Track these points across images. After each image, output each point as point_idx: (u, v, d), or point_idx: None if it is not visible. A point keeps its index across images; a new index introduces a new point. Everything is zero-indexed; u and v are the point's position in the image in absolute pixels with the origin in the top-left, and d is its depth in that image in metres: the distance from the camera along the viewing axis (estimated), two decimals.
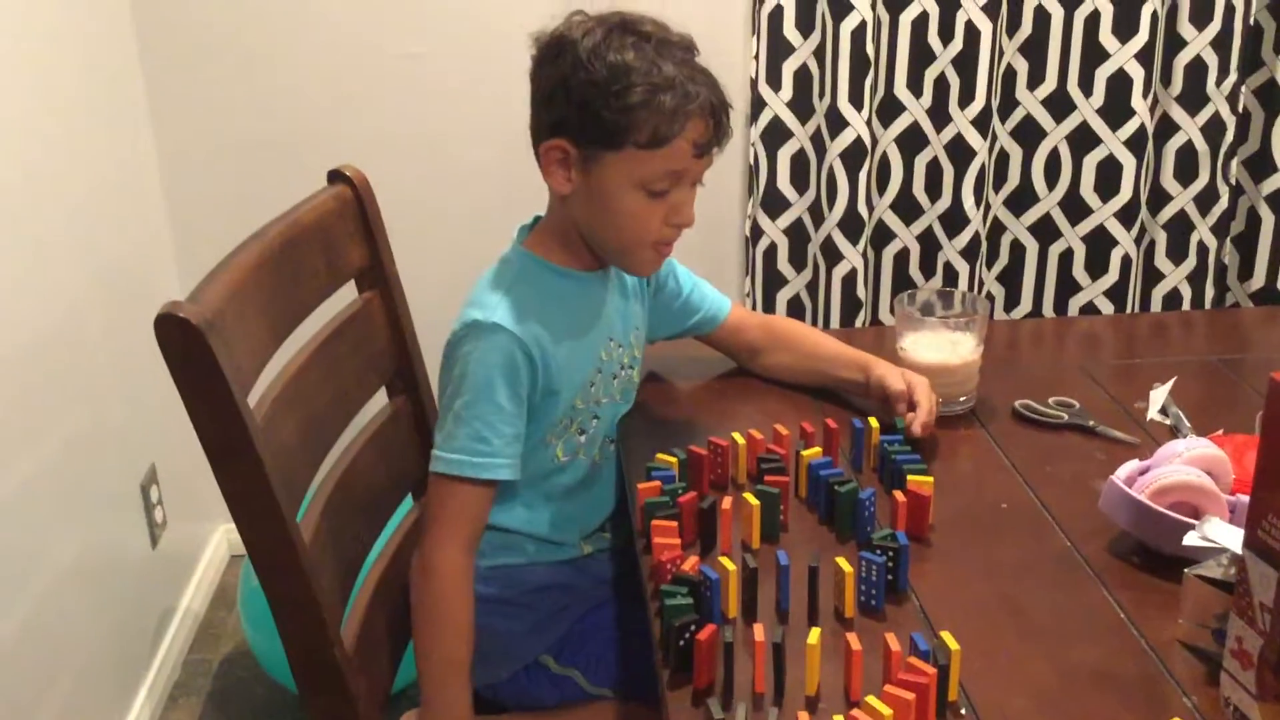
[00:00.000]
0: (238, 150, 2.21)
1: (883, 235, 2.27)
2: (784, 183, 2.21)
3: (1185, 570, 1.02)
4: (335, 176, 1.38)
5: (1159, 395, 1.39)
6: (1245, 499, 1.00)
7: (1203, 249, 2.26)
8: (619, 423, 1.38)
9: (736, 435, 1.29)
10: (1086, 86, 2.15)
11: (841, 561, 1.06)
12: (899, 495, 1.17)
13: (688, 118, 1.17)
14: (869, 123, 2.15)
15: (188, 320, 0.99)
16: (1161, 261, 2.29)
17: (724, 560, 1.06)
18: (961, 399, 1.40)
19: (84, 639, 1.84)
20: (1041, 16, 2.12)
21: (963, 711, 0.95)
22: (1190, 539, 1.03)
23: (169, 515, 2.19)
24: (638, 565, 1.18)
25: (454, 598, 1.21)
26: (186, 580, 2.32)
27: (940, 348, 1.39)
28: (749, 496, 1.16)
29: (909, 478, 1.19)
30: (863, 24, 2.07)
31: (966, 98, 2.14)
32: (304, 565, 1.08)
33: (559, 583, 1.34)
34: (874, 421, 1.31)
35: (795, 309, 2.28)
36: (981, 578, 1.12)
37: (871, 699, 0.91)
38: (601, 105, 1.17)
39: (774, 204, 2.23)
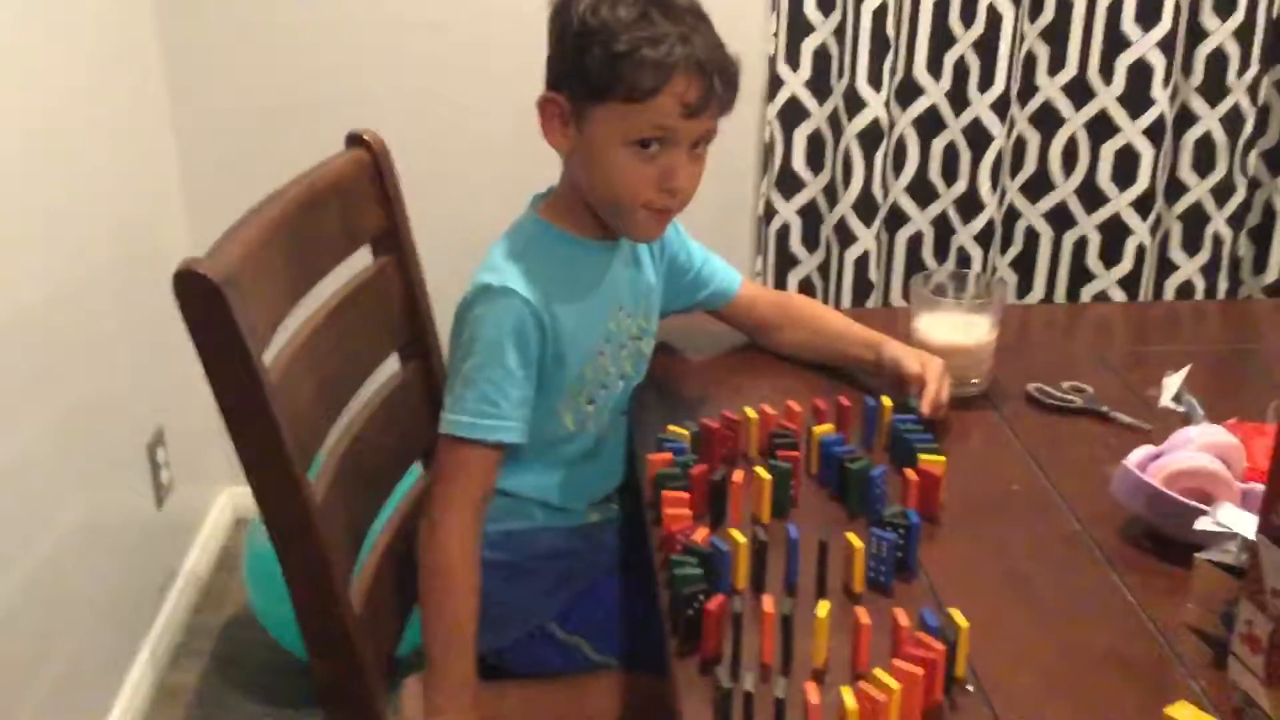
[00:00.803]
0: (253, 114, 2.21)
1: (897, 218, 2.26)
2: (799, 163, 2.21)
3: (1196, 555, 1.02)
4: (353, 140, 1.37)
5: (1173, 383, 1.38)
6: (1258, 486, 1.00)
7: (1217, 241, 2.26)
8: (630, 395, 1.38)
9: (749, 410, 1.28)
10: (1107, 74, 2.14)
11: (851, 537, 1.06)
12: (910, 474, 1.17)
13: (672, 71, 1.16)
14: (887, 104, 2.14)
15: (206, 276, 0.98)
16: (1176, 253, 2.29)
17: (734, 533, 1.07)
18: (974, 381, 1.40)
19: (88, 599, 1.85)
20: (1064, 3, 2.11)
21: (969, 688, 0.95)
22: (1202, 524, 1.03)
23: (175, 478, 2.20)
24: (645, 537, 1.18)
25: (460, 562, 1.21)
26: (190, 543, 2.33)
27: (955, 329, 1.39)
28: (760, 471, 1.16)
29: (920, 457, 1.19)
30: (884, 5, 2.06)
31: (986, 82, 2.13)
32: (316, 526, 1.08)
33: (566, 549, 1.34)
34: (887, 400, 1.31)
35: (807, 290, 2.28)
36: (991, 558, 1.12)
37: (879, 672, 0.91)
38: (589, 57, 1.17)
39: (788, 184, 2.22)
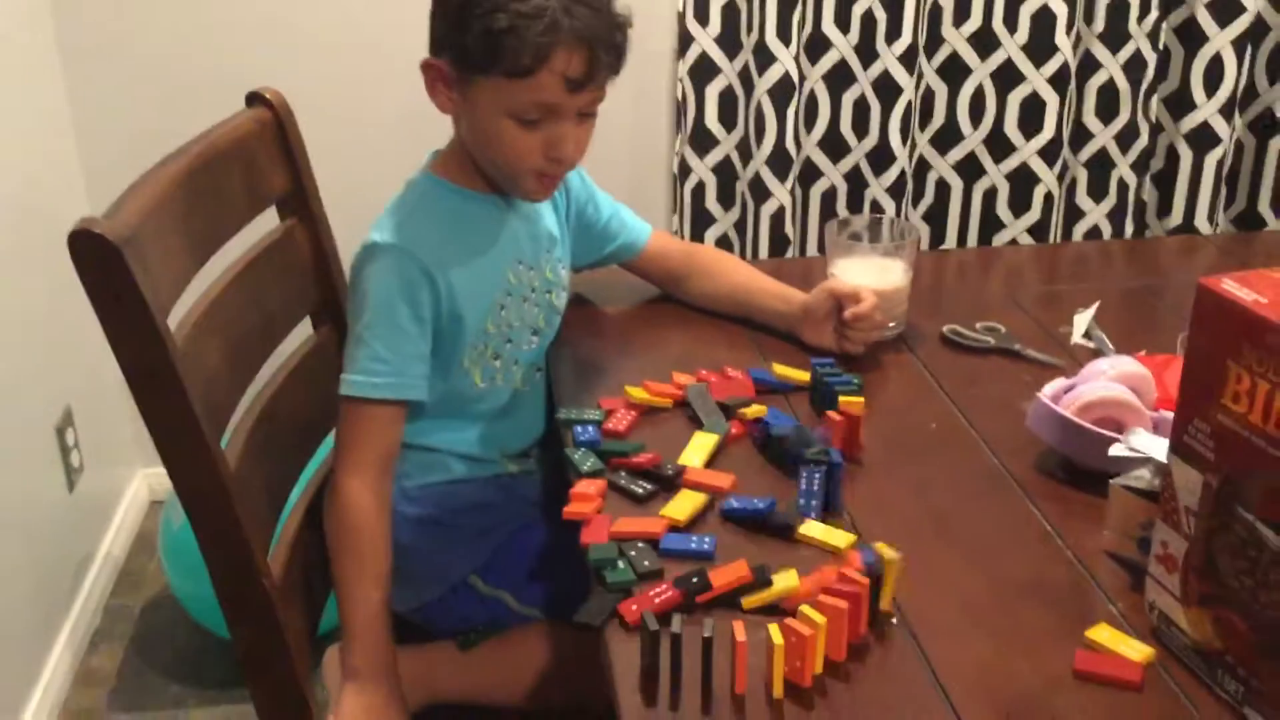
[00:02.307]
0: (149, 80, 2.14)
1: (810, 173, 2.27)
2: (712, 120, 2.20)
3: (1111, 481, 1.04)
4: (254, 98, 1.34)
5: (1083, 320, 1.41)
6: (1168, 414, 1.02)
7: (1123, 186, 2.30)
8: (545, 349, 1.37)
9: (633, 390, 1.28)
10: (1011, 24, 2.16)
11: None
12: (833, 415, 1.17)
13: (552, 48, 1.13)
14: (797, 59, 2.14)
15: (103, 236, 0.95)
16: (1082, 199, 2.32)
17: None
18: (891, 324, 1.40)
19: (1, 586, 1.80)
20: None
21: (894, 620, 0.95)
22: (1116, 450, 1.05)
23: (85, 459, 2.14)
24: (565, 487, 1.16)
25: (366, 523, 1.19)
26: (105, 525, 2.27)
27: (870, 273, 1.39)
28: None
29: (840, 399, 1.19)
30: None
31: (893, 34, 2.14)
32: (230, 493, 1.05)
33: (485, 501, 1.33)
34: (779, 367, 1.33)
35: (724, 246, 2.27)
36: (912, 495, 1.13)
37: (805, 608, 0.91)
38: (470, 29, 1.15)
39: (702, 141, 2.22)
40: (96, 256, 0.96)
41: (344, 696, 1.18)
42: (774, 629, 0.89)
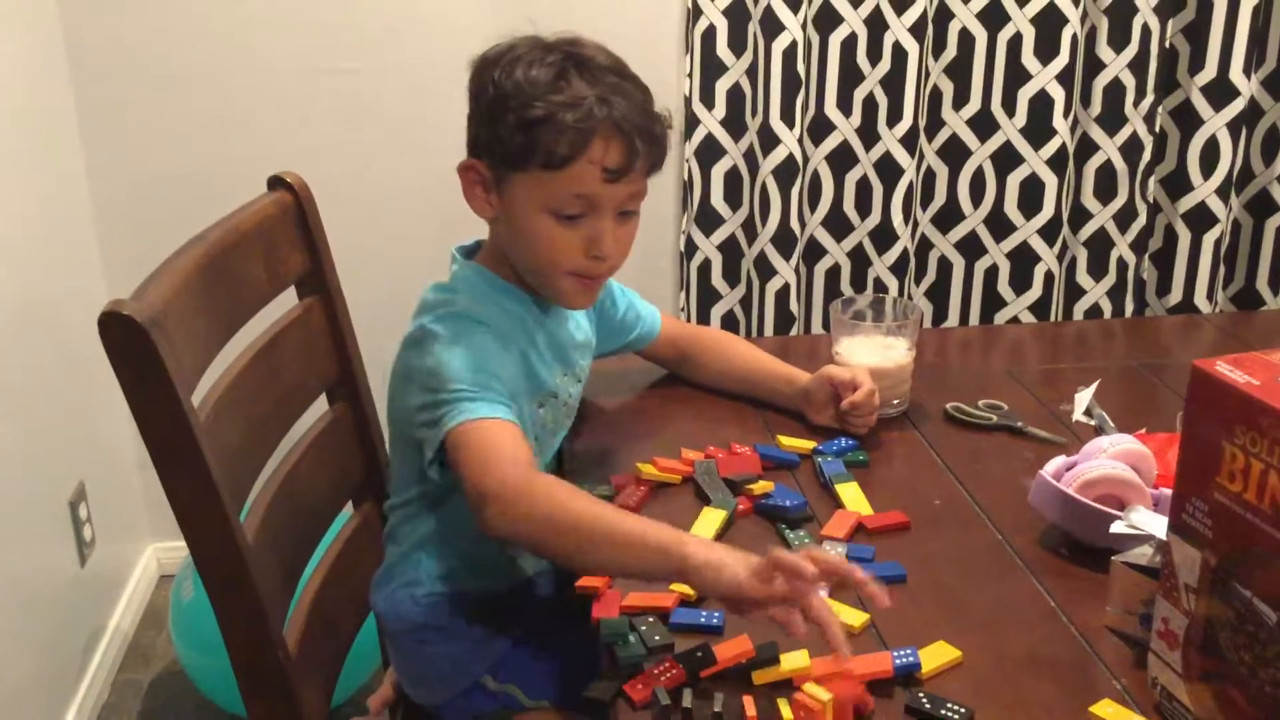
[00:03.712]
0: (170, 170, 2.20)
1: (815, 251, 2.31)
2: (718, 199, 2.25)
3: (1112, 558, 1.06)
4: (276, 183, 1.38)
5: (1083, 397, 1.43)
6: (1169, 491, 1.04)
7: (1122, 265, 2.33)
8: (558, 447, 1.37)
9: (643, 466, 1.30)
10: (1009, 107, 2.21)
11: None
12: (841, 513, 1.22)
13: (590, 136, 1.12)
14: (800, 141, 2.19)
15: (131, 318, 0.98)
16: (1083, 277, 2.36)
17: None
18: (895, 402, 1.43)
19: (11, 659, 1.81)
20: (966, 38, 2.18)
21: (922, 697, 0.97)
22: (1117, 527, 1.07)
23: (98, 534, 2.16)
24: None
25: (551, 501, 1.04)
26: (115, 600, 2.29)
27: (874, 352, 1.42)
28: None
29: (837, 487, 1.26)
30: (793, 44, 2.11)
31: (894, 117, 2.19)
32: (247, 564, 1.07)
33: (501, 608, 1.31)
34: (786, 440, 1.37)
35: (730, 324, 2.31)
36: (916, 570, 1.14)
37: (810, 686, 0.92)
38: (503, 124, 1.13)
39: (708, 220, 2.26)
40: (125, 336, 0.99)
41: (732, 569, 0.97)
42: (783, 704, 0.91)
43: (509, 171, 1.17)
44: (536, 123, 1.12)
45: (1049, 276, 2.30)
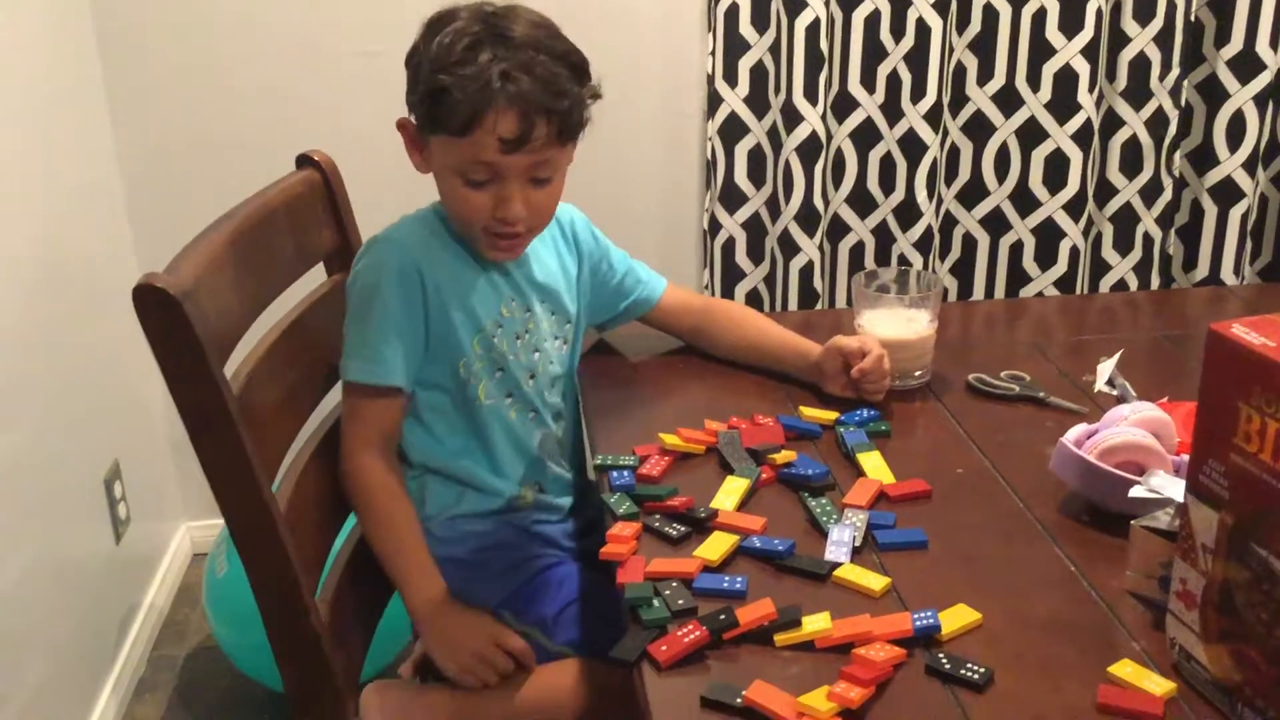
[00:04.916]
0: (196, 151, 2.22)
1: (838, 228, 2.32)
2: (741, 177, 2.26)
3: (1132, 522, 1.07)
4: (303, 161, 1.40)
5: (1106, 368, 1.43)
6: (1188, 457, 1.05)
7: (1148, 240, 2.33)
8: (567, 392, 1.43)
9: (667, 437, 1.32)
10: (1034, 82, 2.21)
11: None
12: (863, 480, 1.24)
13: (485, 109, 1.19)
14: (824, 118, 2.20)
15: (165, 290, 1.01)
16: (1108, 253, 2.35)
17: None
18: (917, 373, 1.44)
19: (49, 634, 1.84)
20: (990, 13, 2.18)
21: (942, 658, 0.98)
22: (1136, 491, 1.08)
23: (132, 512, 2.19)
24: (594, 531, 1.19)
25: (379, 493, 1.28)
26: (150, 577, 2.32)
27: (896, 324, 1.43)
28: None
29: (859, 457, 1.27)
30: (816, 21, 2.12)
31: (918, 93, 2.19)
32: (280, 532, 1.10)
33: (507, 541, 1.36)
34: (808, 410, 1.39)
35: (753, 301, 2.32)
36: (938, 537, 1.15)
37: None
38: (419, 87, 1.24)
39: (731, 198, 2.27)
40: (159, 308, 1.01)
41: (427, 631, 1.27)
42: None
43: (427, 134, 1.27)
44: (440, 92, 1.21)
45: (1074, 252, 2.30)
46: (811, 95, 2.16)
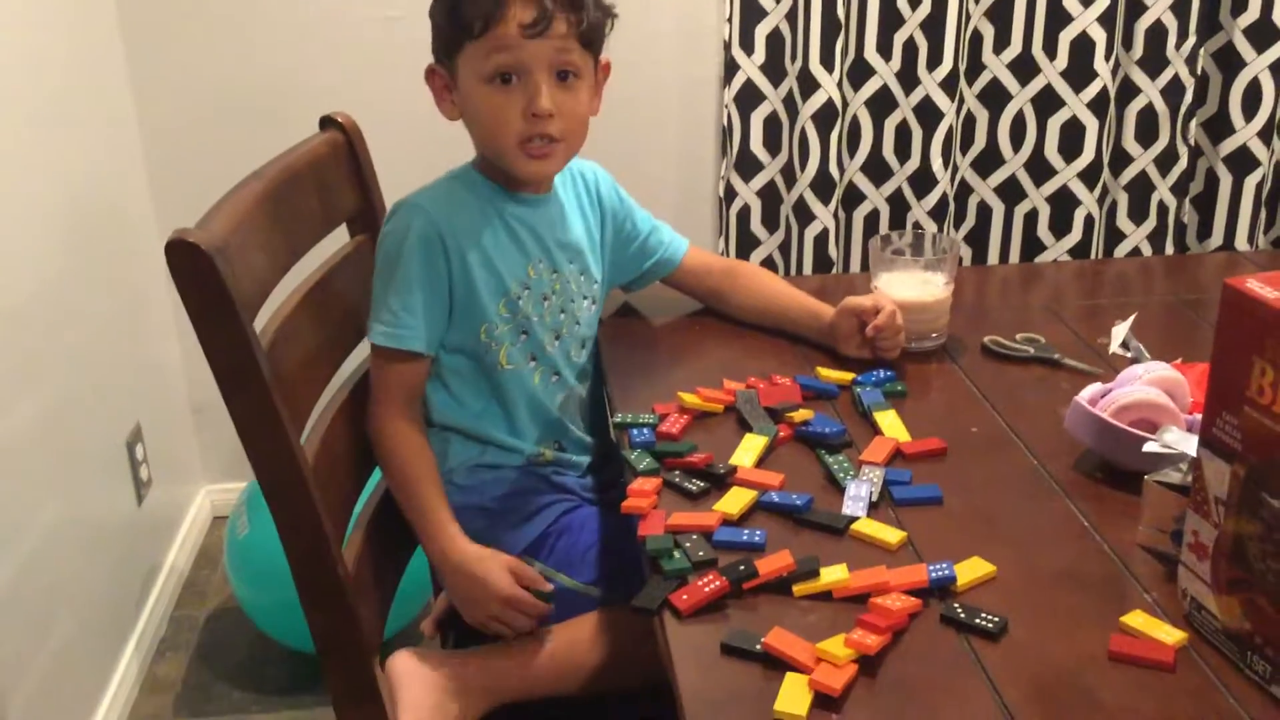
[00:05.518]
0: (218, 116, 2.24)
1: (853, 196, 2.33)
2: (757, 145, 2.27)
3: (1145, 477, 1.08)
4: (327, 122, 1.42)
5: (1120, 330, 1.45)
6: (1203, 412, 1.06)
7: (1163, 209, 2.33)
8: (590, 356, 1.44)
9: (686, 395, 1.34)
10: (1050, 50, 2.21)
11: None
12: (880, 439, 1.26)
13: (504, 2, 1.24)
14: (840, 85, 2.20)
15: (197, 244, 1.03)
16: (1123, 221, 2.36)
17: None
18: (933, 335, 1.46)
19: (72, 596, 1.87)
20: None
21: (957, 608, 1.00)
22: (1150, 447, 1.09)
23: (154, 475, 2.22)
24: (615, 483, 1.21)
25: (402, 450, 1.32)
26: (171, 539, 2.36)
27: (913, 286, 1.45)
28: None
29: (876, 415, 1.29)
30: None
31: (934, 61, 2.20)
32: (308, 483, 1.12)
33: (527, 488, 1.38)
34: (825, 371, 1.40)
35: (768, 267, 2.32)
36: (953, 493, 1.17)
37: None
38: (440, 15, 1.29)
39: (747, 166, 2.28)
40: (191, 263, 1.03)
41: (452, 582, 1.29)
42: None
43: (453, 60, 1.30)
44: (459, 2, 1.26)
45: (1089, 220, 2.31)
46: (828, 62, 2.17)
